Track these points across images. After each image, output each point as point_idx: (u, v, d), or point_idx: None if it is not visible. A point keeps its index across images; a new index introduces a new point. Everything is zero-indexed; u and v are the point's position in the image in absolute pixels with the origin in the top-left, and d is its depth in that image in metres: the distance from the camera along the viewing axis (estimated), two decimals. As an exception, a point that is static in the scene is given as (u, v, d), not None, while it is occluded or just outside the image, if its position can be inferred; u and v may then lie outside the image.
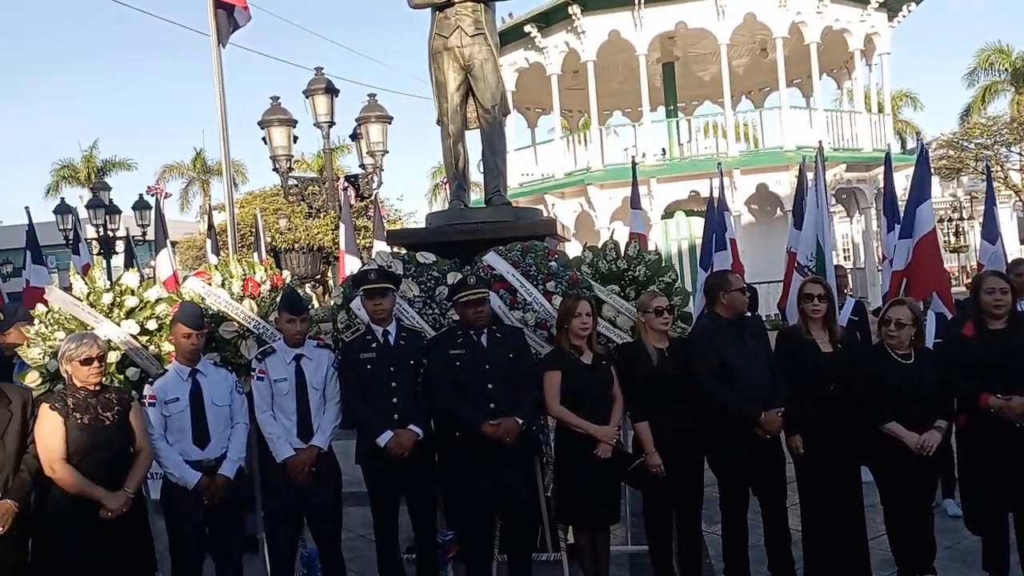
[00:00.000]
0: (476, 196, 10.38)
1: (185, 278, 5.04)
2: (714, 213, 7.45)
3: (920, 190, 6.23)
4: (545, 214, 15.82)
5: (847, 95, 19.76)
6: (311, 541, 4.41)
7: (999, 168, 29.64)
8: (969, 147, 29.50)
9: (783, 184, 16.04)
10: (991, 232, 7.10)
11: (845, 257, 29.45)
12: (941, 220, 37.23)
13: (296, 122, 10.01)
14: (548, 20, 17.41)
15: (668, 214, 17.18)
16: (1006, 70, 32.04)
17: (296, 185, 10.14)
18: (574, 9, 16.48)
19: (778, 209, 16.74)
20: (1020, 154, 29.78)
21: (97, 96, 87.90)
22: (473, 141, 6.25)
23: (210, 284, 4.71)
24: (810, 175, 6.81)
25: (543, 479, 4.69)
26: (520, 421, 4.19)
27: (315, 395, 4.21)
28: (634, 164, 8.64)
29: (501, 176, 6.10)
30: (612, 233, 6.57)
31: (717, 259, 6.93)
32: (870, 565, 4.37)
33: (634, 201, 8.17)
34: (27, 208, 8.54)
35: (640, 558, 4.85)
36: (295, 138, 10.10)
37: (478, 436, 4.14)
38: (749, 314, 4.81)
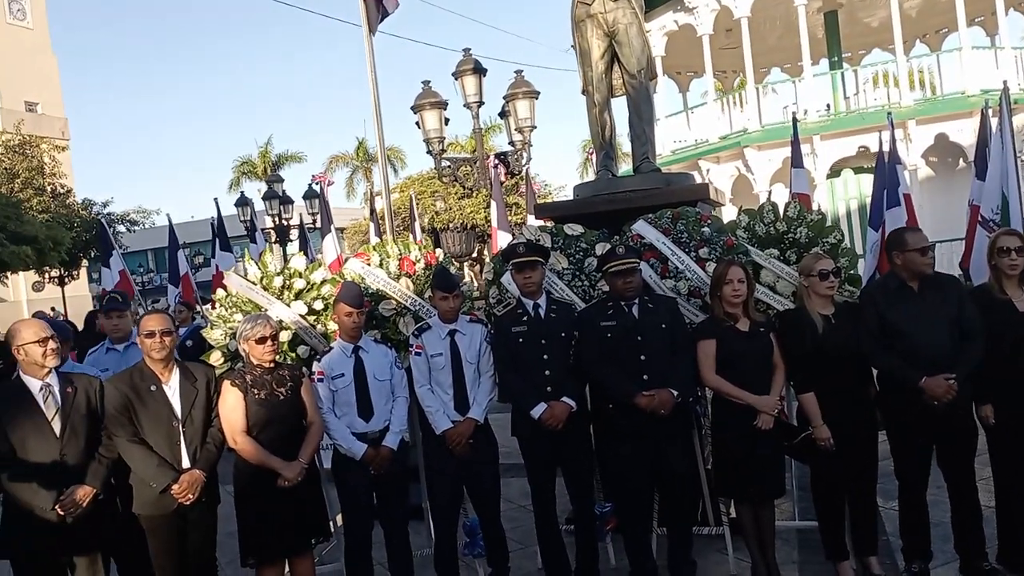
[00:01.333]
0: (626, 167, 10.20)
1: (346, 260, 5.29)
2: (884, 168, 6.91)
3: None
4: (698, 180, 15.39)
5: (1041, 28, 17.69)
6: (472, 511, 4.54)
7: None
8: None
9: (965, 132, 14.62)
10: None
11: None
12: None
13: (447, 104, 10.23)
14: (698, -23, 16.76)
15: (834, 173, 16.15)
16: None
17: (449, 166, 10.39)
18: (727, -34, 15.76)
19: (960, 160, 15.32)
20: None
21: (269, 95, 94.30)
22: (620, 110, 6.13)
23: (369, 264, 4.92)
24: (994, 120, 6.17)
25: (702, 451, 4.57)
26: (675, 392, 4.10)
27: (470, 369, 4.31)
28: (795, 120, 8.16)
29: (649, 143, 5.96)
30: (769, 195, 6.26)
31: (890, 216, 6.41)
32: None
33: (795, 160, 7.71)
34: (215, 199, 9.30)
35: (809, 534, 4.63)
36: (447, 120, 10.33)
37: (632, 408, 4.09)
38: (950, 275, 4.41)
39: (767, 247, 4.89)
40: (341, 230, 32.57)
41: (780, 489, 4.28)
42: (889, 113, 7.28)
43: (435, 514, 4.47)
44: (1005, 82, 6.93)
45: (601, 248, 4.79)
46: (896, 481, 4.18)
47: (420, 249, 5.09)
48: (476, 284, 5.52)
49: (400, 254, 4.99)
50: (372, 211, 11.00)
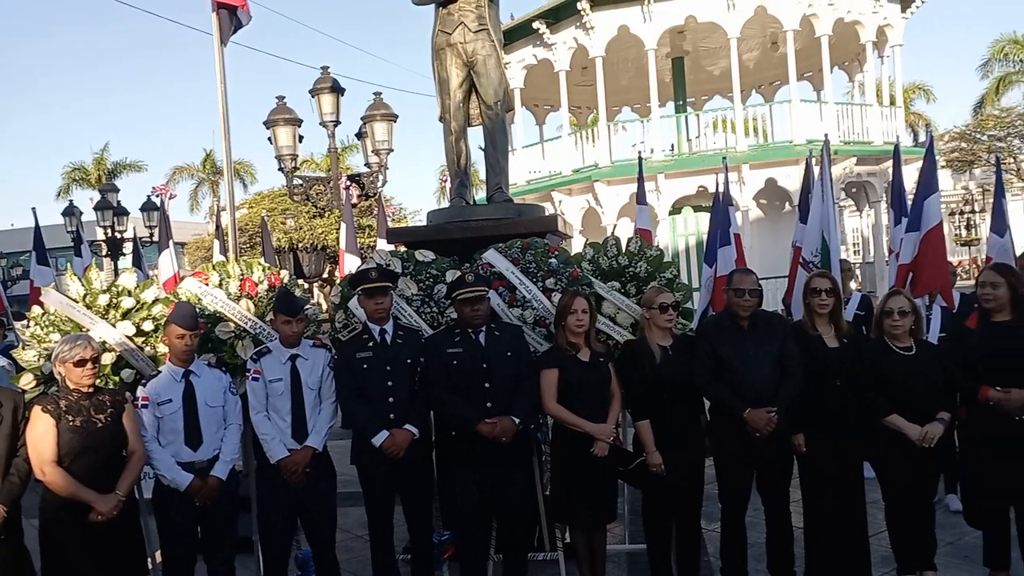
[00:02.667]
0: (481, 196, 10.34)
1: (183, 279, 5.03)
2: (719, 208, 7.38)
3: (927, 183, 6.15)
4: (551, 211, 15.80)
5: (858, 88, 19.54)
6: (305, 542, 4.39)
7: (1012, 160, 29.36)
8: (982, 139, 29.21)
9: (792, 178, 15.89)
10: (999, 225, 6.98)
11: (855, 251, 29.23)
12: (953, 213, 36.87)
13: (302, 121, 10.01)
14: (557, 16, 17.34)
15: (676, 210, 17.09)
16: (1021, 60, 31.69)
17: (301, 185, 10.14)
18: (583, 4, 16.39)
19: (787, 204, 16.60)
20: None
21: (108, 99, 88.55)
22: (476, 139, 6.21)
23: (207, 284, 4.70)
24: (817, 169, 6.73)
25: (541, 478, 4.65)
26: (517, 420, 4.15)
27: (310, 395, 4.19)
28: (640, 160, 8.57)
29: (503, 173, 6.07)
30: (614, 229, 6.52)
31: (721, 254, 6.86)
32: (870, 562, 4.32)
33: (640, 197, 8.11)
34: (33, 209, 8.59)
35: (638, 557, 4.81)
36: (301, 138, 10.11)
37: (475, 435, 4.11)
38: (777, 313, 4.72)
39: (609, 280, 5.06)
40: (182, 245, 31.08)
41: (612, 514, 4.42)
42: (724, 157, 7.79)
43: (265, 547, 4.28)
44: (826, 135, 7.57)
45: (451, 275, 4.81)
46: (719, 504, 4.42)
47: (264, 269, 4.91)
48: (325, 306, 5.39)
49: (242, 274, 4.79)
50: (217, 227, 10.51)
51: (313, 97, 10.00)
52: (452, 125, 5.95)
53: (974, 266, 32.53)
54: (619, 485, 4.56)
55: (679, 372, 4.28)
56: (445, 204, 6.42)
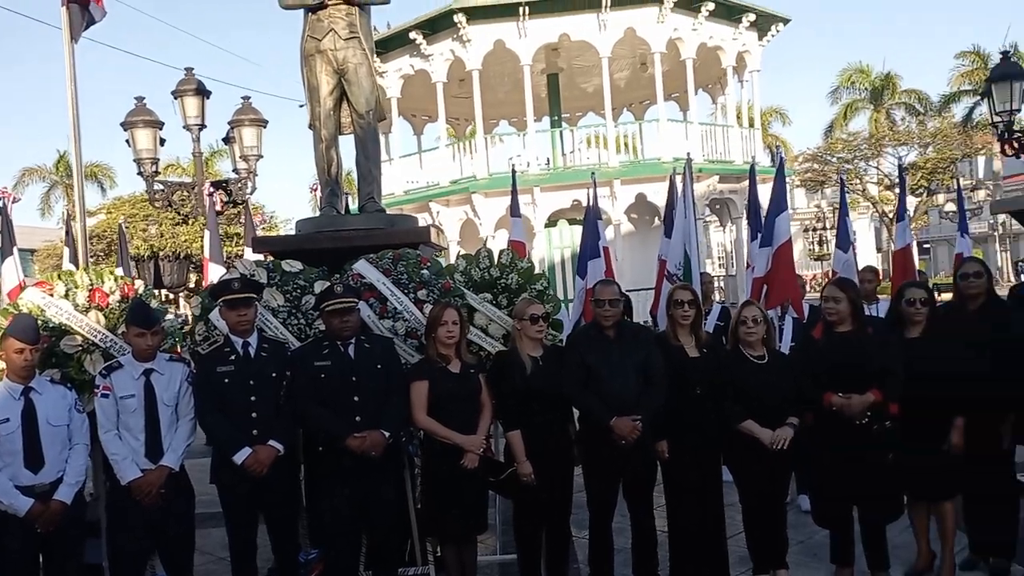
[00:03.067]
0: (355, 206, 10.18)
1: (25, 289, 4.67)
2: (589, 222, 7.57)
3: (778, 202, 6.54)
4: (429, 222, 15.76)
5: (721, 110, 20.61)
6: (161, 567, 4.15)
7: (858, 181, 31.70)
8: (832, 161, 31.41)
9: (660, 194, 16.43)
10: (844, 241, 7.55)
11: (720, 265, 30.68)
12: (807, 230, 39.50)
13: (163, 124, 9.55)
14: (433, 28, 17.35)
15: (551, 223, 17.42)
16: (866, 89, 34.40)
17: (162, 190, 9.66)
18: (459, 18, 16.49)
19: (656, 218, 17.24)
20: (877, 168, 31.92)
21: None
22: (349, 147, 6.11)
23: (52, 295, 4.38)
24: (679, 186, 7.02)
25: (413, 491, 4.60)
26: (387, 433, 4.09)
27: (166, 412, 3.98)
28: (514, 172, 8.66)
29: (375, 183, 6.01)
30: (486, 241, 6.57)
31: (591, 267, 7.03)
32: (728, 563, 4.51)
33: (514, 209, 8.19)
34: None
35: (509, 567, 4.83)
36: (162, 141, 9.64)
37: (344, 450, 4.02)
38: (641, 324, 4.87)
39: (482, 291, 5.09)
40: (31, 252, 28.92)
41: (483, 526, 4.43)
42: (593, 173, 8.01)
43: (116, 573, 4.02)
44: (688, 154, 7.93)
45: (320, 286, 4.70)
46: (588, 512, 4.51)
47: (116, 279, 4.63)
48: (190, 316, 5.15)
49: (91, 284, 4.50)
50: (67, 232, 9.86)
51: (176, 99, 9.57)
52: (322, 133, 5.84)
53: (826, 279, 34.87)
54: (490, 496, 4.58)
55: (549, 382, 4.35)
56: (317, 213, 6.28)
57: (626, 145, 18.79)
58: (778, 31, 19.26)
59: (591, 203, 7.56)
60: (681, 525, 4.50)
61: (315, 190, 8.96)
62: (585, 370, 4.37)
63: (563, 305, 6.64)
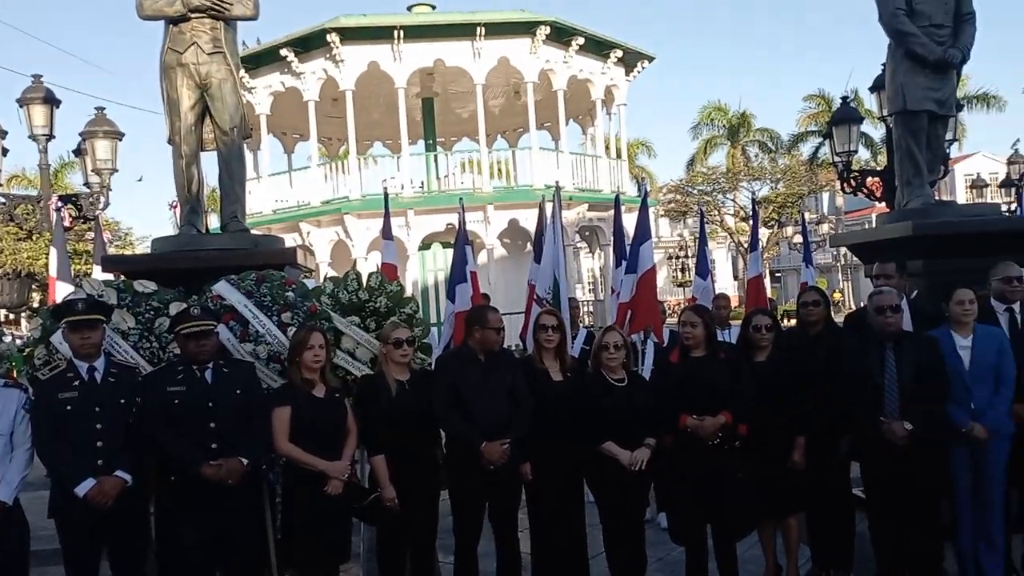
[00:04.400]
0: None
1: None
2: (459, 247, 7.63)
3: (642, 230, 6.82)
4: (299, 242, 15.38)
5: (591, 140, 21.30)
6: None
7: (716, 212, 33.53)
8: (693, 193, 33.09)
9: (533, 220, 16.71)
10: (703, 269, 7.98)
11: (590, 290, 31.55)
12: (671, 257, 41.35)
13: (5, 133, 8.90)
14: (306, 46, 17.04)
15: (425, 246, 17.39)
16: (724, 126, 36.49)
17: (3, 203, 8.97)
18: (333, 37, 16.28)
19: (528, 244, 17.55)
20: (734, 201, 33.88)
21: None
22: (211, 163, 5.91)
23: None
24: (549, 213, 7.21)
25: (273, 521, 4.44)
26: (245, 461, 3.95)
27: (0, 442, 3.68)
28: (386, 194, 8.63)
29: (239, 202, 5.84)
30: (355, 264, 6.49)
31: (459, 291, 7.08)
32: (591, 583, 4.61)
33: (385, 231, 8.14)
34: None
35: (374, 595, 4.74)
36: (5, 151, 8.98)
37: (199, 479, 3.84)
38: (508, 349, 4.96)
39: (349, 314, 5.03)
40: None
41: (347, 554, 4.34)
42: (462, 198, 8.11)
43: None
44: (557, 182, 8.16)
45: (175, 307, 4.49)
46: (453, 536, 4.50)
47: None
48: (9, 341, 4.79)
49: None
50: None
51: (21, 107, 8.95)
52: (183, 148, 5.63)
53: (688, 304, 36.54)
54: (354, 523, 4.49)
55: (417, 406, 4.34)
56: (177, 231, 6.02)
57: (500, 171, 19.05)
58: (644, 67, 20.15)
59: (461, 228, 7.63)
60: (545, 547, 4.57)
61: (175, 207, 8.57)
62: (456, 393, 4.39)
63: (437, 328, 6.64)
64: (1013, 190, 17.97)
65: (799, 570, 4.86)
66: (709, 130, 36.91)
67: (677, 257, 41.44)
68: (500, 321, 4.70)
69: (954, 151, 32.50)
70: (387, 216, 8.19)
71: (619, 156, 20.36)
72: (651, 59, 20.06)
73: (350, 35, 16.45)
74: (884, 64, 6.71)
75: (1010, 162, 19.16)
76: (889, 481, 4.41)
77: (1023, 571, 4.78)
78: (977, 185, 20.80)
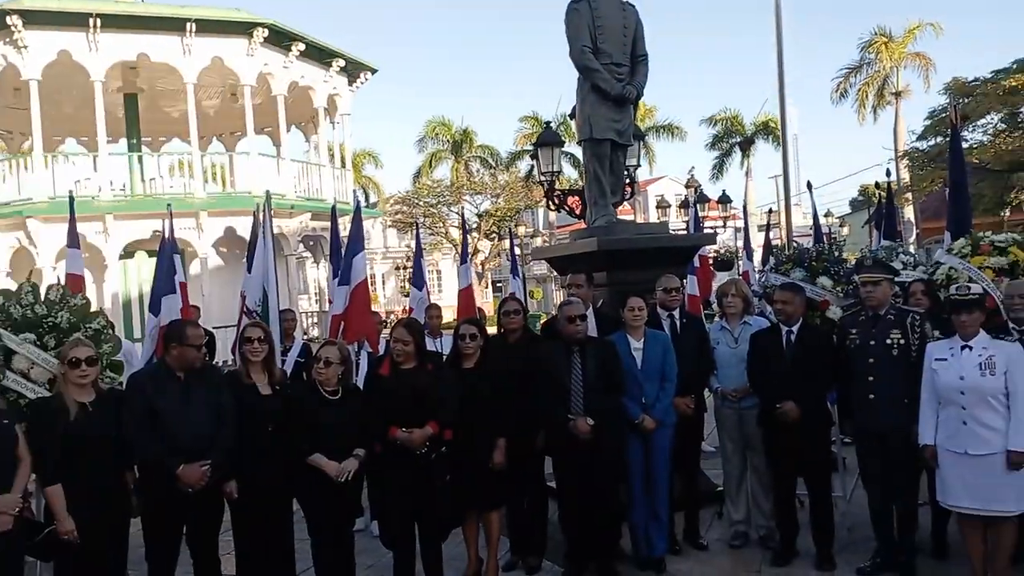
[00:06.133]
0: None
1: None
2: (165, 255, 7.14)
3: (356, 242, 6.87)
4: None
5: (315, 148, 20.97)
6: None
7: (442, 224, 34.58)
8: (420, 204, 33.82)
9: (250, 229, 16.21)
10: (418, 280, 8.26)
11: (316, 300, 30.93)
12: (398, 267, 41.83)
13: None
14: (-20, 27, 14.95)
15: (128, 254, 16.00)
16: (448, 141, 37.73)
17: None
18: (14, 20, 14.43)
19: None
20: (459, 213, 35.12)
21: None
22: None
23: None
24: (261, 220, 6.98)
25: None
26: None
27: None
28: (71, 198, 7.77)
29: None
30: (31, 274, 5.83)
31: (166, 303, 6.62)
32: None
33: (71, 239, 7.34)
34: None
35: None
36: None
37: None
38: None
39: (23, 331, 4.55)
40: None
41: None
42: (169, 204, 7.62)
43: None
44: (268, 191, 7.90)
45: None
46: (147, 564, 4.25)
47: None
48: None
49: None
50: None
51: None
52: None
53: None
54: (33, 563, 4.06)
55: (100, 429, 4.07)
56: None
57: (215, 176, 18.07)
58: (367, 79, 20.27)
59: (167, 235, 7.15)
60: (252, 564, 4.46)
61: None
62: (152, 414, 4.15)
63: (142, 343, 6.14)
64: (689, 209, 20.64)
65: (499, 560, 5.20)
66: (434, 144, 37.97)
67: (405, 267, 42.00)
68: (201, 337, 4.51)
69: (645, 175, 36.58)
70: (72, 222, 7.36)
71: (344, 165, 20.28)
72: (374, 71, 20.26)
73: (36, 19, 14.72)
74: (576, 95, 7.40)
75: (687, 185, 21.99)
76: (576, 470, 4.90)
77: (683, 542, 5.53)
78: (662, 205, 23.56)
